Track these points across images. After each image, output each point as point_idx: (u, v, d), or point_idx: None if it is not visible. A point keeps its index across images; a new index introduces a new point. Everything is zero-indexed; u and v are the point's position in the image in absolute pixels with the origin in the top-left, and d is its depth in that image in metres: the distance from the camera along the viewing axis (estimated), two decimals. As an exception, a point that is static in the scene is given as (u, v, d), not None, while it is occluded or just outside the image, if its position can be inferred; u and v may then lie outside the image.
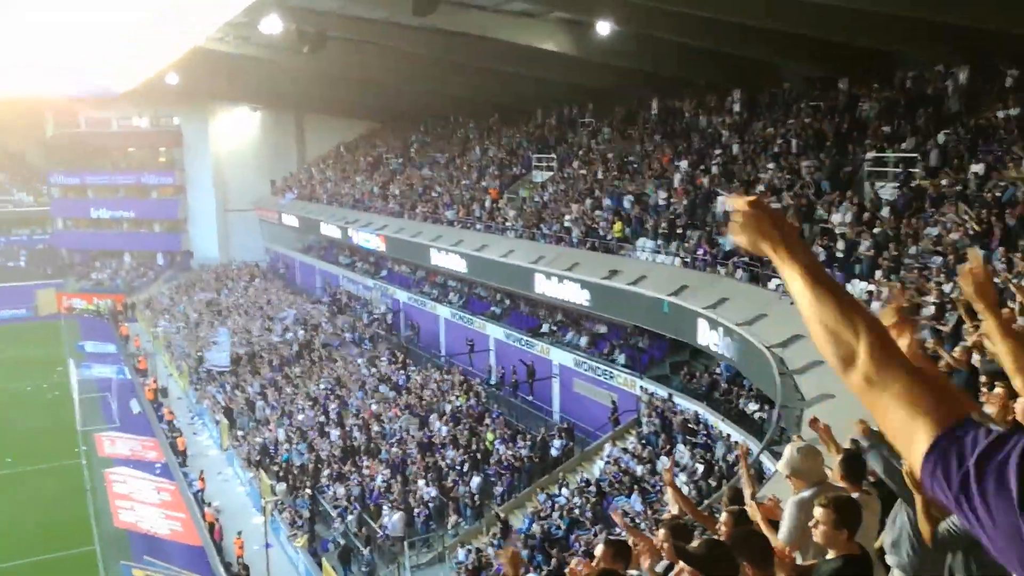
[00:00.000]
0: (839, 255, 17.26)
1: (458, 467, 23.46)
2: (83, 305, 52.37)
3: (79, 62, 45.99)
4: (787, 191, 20.48)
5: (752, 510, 4.82)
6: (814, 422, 5.38)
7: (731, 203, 1.56)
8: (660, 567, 4.65)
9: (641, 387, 22.65)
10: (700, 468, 18.10)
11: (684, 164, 25.33)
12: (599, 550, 4.78)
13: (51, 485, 26.48)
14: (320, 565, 20.91)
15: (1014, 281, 10.36)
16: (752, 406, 18.81)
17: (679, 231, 22.77)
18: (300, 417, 29.72)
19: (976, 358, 8.82)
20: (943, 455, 1.13)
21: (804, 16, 19.61)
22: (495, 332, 30.30)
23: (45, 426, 31.74)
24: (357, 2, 27.52)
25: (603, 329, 26.39)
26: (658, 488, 17.99)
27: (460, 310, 33.11)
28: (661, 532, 4.60)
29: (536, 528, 19.35)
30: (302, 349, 36.68)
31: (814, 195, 19.83)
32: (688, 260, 21.84)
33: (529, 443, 23.38)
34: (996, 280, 11.34)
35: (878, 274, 15.76)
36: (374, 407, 28.67)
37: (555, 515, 19.62)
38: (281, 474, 26.33)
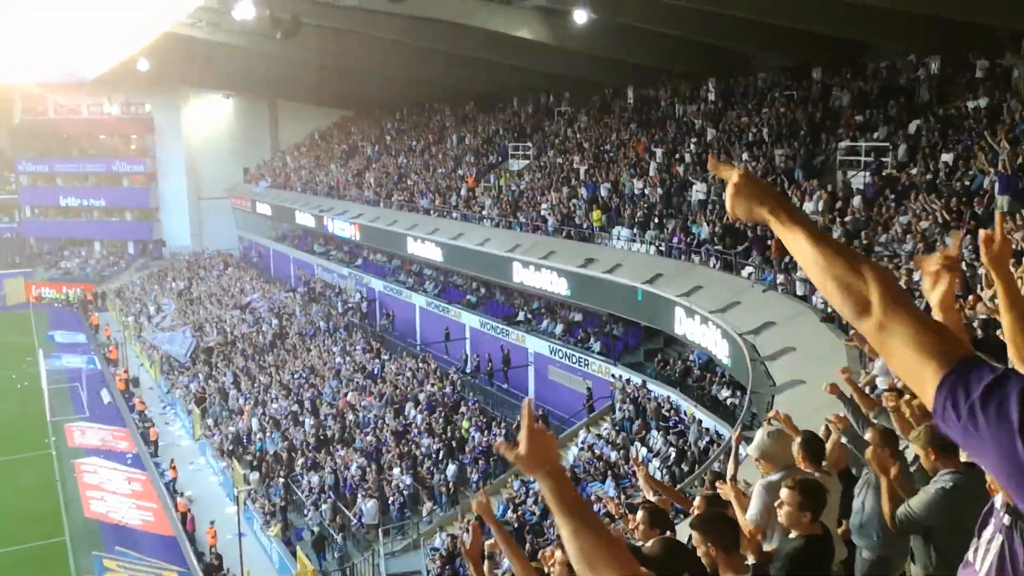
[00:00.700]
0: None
1: (433, 455, 23.46)
2: (52, 294, 51.67)
3: (48, 47, 45.10)
4: (761, 179, 20.58)
5: (728, 488, 4.84)
6: (776, 415, 5.57)
7: (723, 174, 1.57)
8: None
9: (614, 374, 22.76)
10: (673, 453, 18.25)
11: (659, 152, 25.42)
12: (640, 515, 4.63)
13: (21, 476, 26.16)
14: (294, 554, 20.87)
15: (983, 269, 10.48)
16: (724, 392, 19.05)
17: (655, 219, 22.86)
18: (274, 406, 29.52)
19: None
20: (952, 390, 1.21)
21: (779, 6, 19.75)
22: (471, 320, 30.28)
23: (14, 417, 31.35)
24: (331, -12, 27.29)
25: (578, 317, 26.49)
26: (631, 472, 18.09)
27: (435, 298, 33.04)
28: (639, 514, 4.58)
29: (511, 515, 19.40)
30: (275, 338, 36.43)
31: (787, 183, 19.97)
32: (663, 248, 21.95)
33: (504, 430, 23.42)
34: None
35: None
36: (349, 396, 28.54)
37: (529, 501, 19.68)
38: (254, 463, 26.17)
